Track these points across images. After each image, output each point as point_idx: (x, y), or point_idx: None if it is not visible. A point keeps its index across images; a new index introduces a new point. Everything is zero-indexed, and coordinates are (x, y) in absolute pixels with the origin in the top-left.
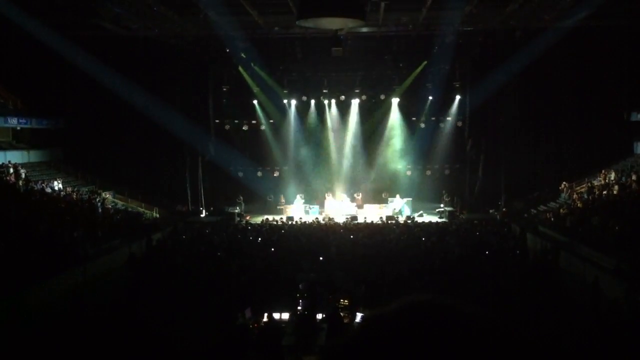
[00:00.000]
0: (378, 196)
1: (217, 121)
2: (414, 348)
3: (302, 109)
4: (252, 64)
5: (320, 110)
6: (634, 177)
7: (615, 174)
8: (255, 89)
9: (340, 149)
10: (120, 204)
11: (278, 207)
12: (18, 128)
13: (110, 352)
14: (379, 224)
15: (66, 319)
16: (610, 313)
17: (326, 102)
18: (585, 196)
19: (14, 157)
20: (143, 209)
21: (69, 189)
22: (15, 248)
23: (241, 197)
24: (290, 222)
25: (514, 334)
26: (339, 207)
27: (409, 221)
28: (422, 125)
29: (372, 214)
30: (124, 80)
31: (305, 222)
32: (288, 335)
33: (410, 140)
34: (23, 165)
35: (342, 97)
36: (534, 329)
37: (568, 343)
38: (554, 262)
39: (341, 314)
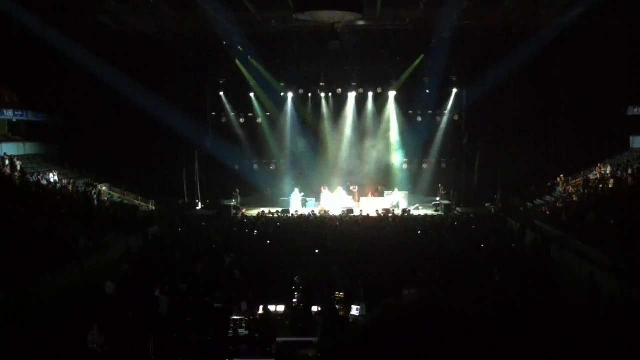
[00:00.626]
0: (374, 189)
1: (213, 114)
2: (420, 347)
3: (299, 103)
4: (249, 58)
5: (317, 104)
6: (629, 172)
7: (611, 168)
8: (252, 82)
9: (336, 142)
10: (116, 196)
11: (277, 200)
12: (14, 120)
13: (108, 345)
14: (375, 217)
15: (65, 314)
16: (606, 309)
17: (323, 95)
18: (581, 190)
19: (10, 149)
20: (139, 202)
21: (64, 182)
22: (11, 242)
23: (237, 190)
24: (286, 215)
25: (517, 334)
26: (336, 200)
27: (405, 214)
28: (419, 119)
29: (369, 207)
30: (121, 75)
31: (301, 215)
32: (283, 328)
33: (407, 134)
34: (19, 158)
35: (339, 91)
36: (530, 326)
37: (564, 339)
38: (545, 254)
39: (337, 307)
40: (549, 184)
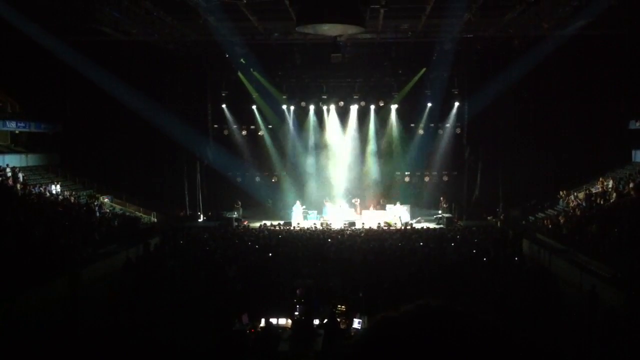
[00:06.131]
0: (376, 202)
1: (215, 126)
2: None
3: (301, 115)
4: (251, 70)
5: (319, 116)
6: (631, 185)
7: (614, 181)
8: (254, 95)
9: (338, 154)
10: (118, 208)
11: (279, 212)
12: (16, 132)
13: (107, 357)
14: (377, 230)
15: (62, 324)
16: (607, 321)
17: (325, 108)
18: (583, 204)
19: (12, 160)
20: (141, 214)
21: (66, 193)
22: (12, 252)
23: (239, 202)
24: (288, 228)
25: (519, 338)
26: (337, 213)
27: (407, 227)
28: (421, 131)
29: (371, 220)
30: (123, 85)
31: (303, 227)
32: (284, 340)
33: (408, 147)
34: (21, 169)
35: (341, 103)
36: (531, 335)
37: (566, 351)
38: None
39: (338, 319)
40: (545, 197)
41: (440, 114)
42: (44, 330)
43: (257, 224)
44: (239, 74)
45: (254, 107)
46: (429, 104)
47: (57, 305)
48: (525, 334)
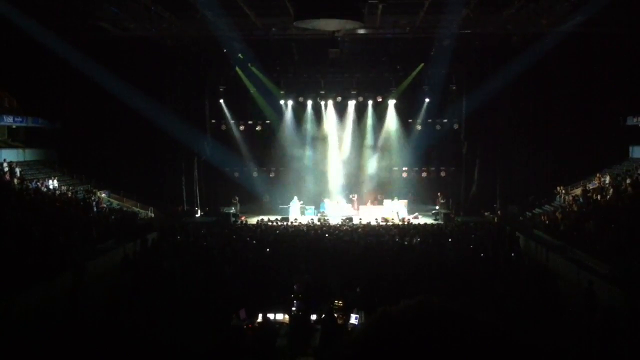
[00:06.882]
0: (374, 198)
1: (213, 121)
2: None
3: (299, 110)
4: (249, 65)
5: (317, 112)
6: (629, 181)
7: (611, 177)
8: (252, 90)
9: (336, 150)
10: (115, 203)
11: (275, 208)
12: (13, 126)
13: (105, 354)
14: (374, 225)
15: (61, 322)
16: (604, 318)
17: (323, 103)
18: (581, 200)
19: (9, 155)
20: (138, 209)
21: (64, 188)
22: (9, 249)
23: (237, 198)
24: (285, 223)
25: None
26: (335, 208)
27: (405, 223)
28: (419, 127)
29: (368, 215)
30: (120, 81)
31: (300, 223)
32: (282, 336)
33: (406, 142)
34: (18, 164)
35: (339, 99)
36: (529, 333)
37: (565, 349)
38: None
39: (335, 315)
40: (542, 193)
41: (438, 110)
42: (44, 329)
43: (254, 220)
44: (237, 69)
45: (251, 102)
46: (427, 100)
47: (57, 305)
48: (525, 334)
